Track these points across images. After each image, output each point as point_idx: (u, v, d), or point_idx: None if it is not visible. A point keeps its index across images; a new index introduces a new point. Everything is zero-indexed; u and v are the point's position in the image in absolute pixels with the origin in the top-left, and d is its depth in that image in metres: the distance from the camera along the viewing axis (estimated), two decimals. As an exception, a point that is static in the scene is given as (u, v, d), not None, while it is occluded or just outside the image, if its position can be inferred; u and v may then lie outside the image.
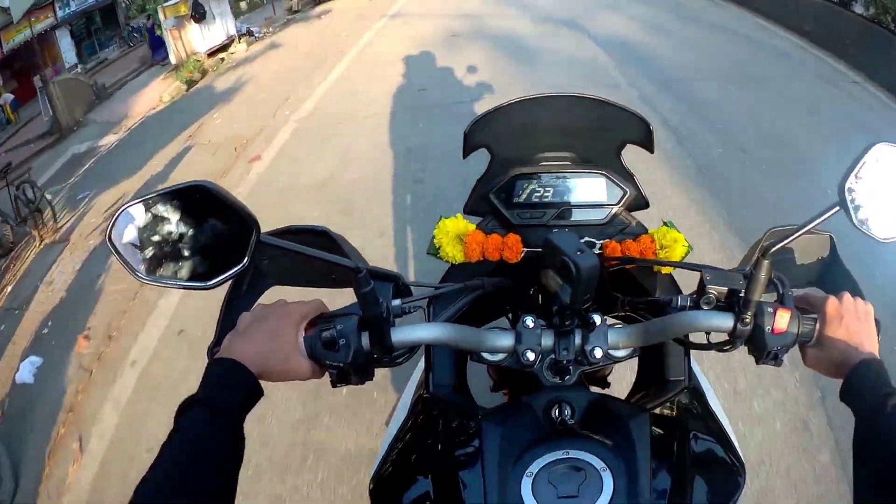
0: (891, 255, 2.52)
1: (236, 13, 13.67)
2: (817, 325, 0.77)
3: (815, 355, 0.78)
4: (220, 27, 11.88)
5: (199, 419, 0.63)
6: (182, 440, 0.62)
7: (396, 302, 0.78)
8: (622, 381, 1.25)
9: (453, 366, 1.01)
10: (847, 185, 0.72)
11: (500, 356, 0.84)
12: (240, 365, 0.67)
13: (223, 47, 11.83)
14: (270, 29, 13.11)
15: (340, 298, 0.78)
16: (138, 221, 0.64)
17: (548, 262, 0.77)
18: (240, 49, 11.82)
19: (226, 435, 0.64)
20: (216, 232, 0.64)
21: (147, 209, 0.63)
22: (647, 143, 1.03)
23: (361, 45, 9.67)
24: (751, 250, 0.93)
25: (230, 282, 0.95)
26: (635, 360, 1.10)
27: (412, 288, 0.86)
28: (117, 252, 0.63)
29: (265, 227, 0.66)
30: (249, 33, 12.60)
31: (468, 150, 1.07)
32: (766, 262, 0.73)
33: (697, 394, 1.00)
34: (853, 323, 0.76)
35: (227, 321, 0.87)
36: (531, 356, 0.79)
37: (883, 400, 0.67)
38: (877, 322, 0.79)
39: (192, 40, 11.33)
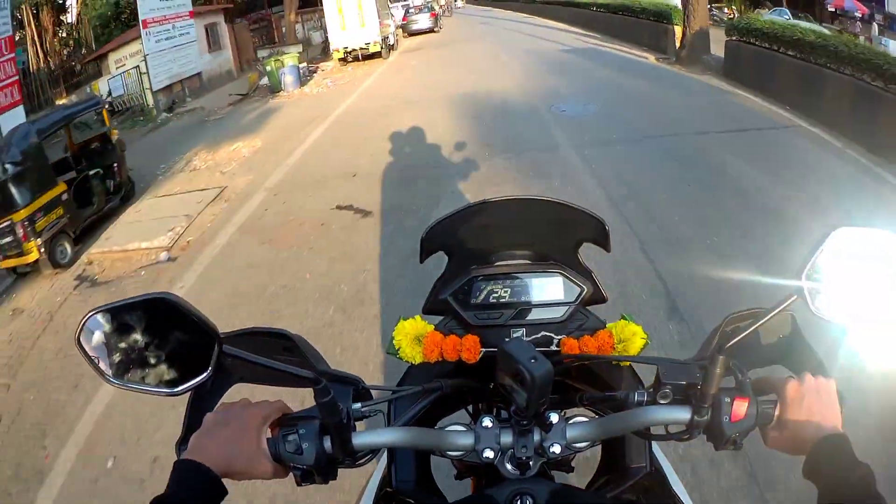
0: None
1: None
2: (777, 408, 0.77)
3: (777, 436, 0.78)
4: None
5: None
6: None
7: (357, 406, 0.81)
8: (586, 463, 1.23)
9: (415, 461, 1.00)
10: (805, 272, 0.73)
11: (461, 452, 0.85)
12: (203, 467, 0.70)
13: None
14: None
15: (307, 393, 0.79)
16: (105, 328, 0.67)
17: (503, 368, 0.78)
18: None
19: None
20: (180, 341, 0.68)
21: (113, 317, 0.67)
22: (604, 243, 1.06)
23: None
24: (709, 337, 0.94)
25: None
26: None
27: (372, 391, 0.87)
28: (86, 354, 0.67)
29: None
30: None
31: (425, 254, 1.09)
32: (721, 358, 0.75)
33: (659, 477, 1.00)
34: (814, 403, 0.76)
35: (193, 418, 0.89)
36: (490, 454, 0.81)
37: (846, 474, 0.67)
38: (840, 396, 0.79)
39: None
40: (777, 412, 0.77)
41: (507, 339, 0.98)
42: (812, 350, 0.94)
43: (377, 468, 1.12)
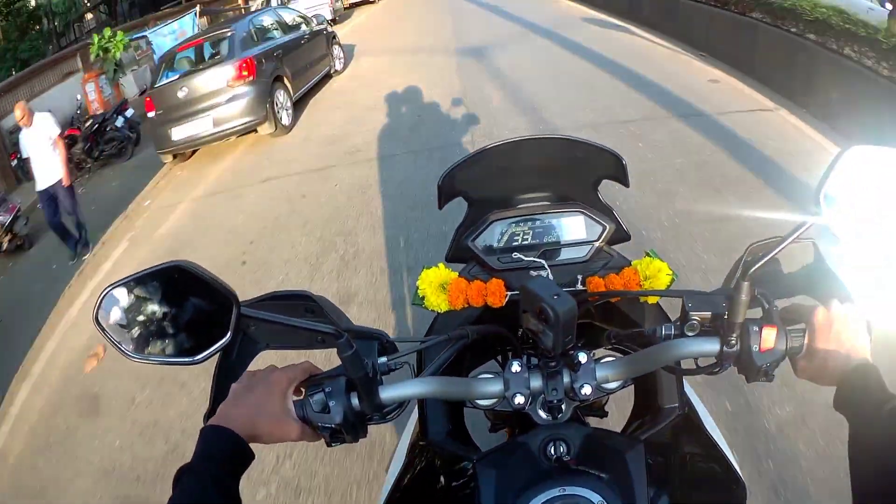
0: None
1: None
2: (806, 337, 0.75)
3: (806, 367, 0.76)
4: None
5: (193, 487, 0.65)
6: None
7: (382, 360, 0.80)
8: (620, 407, 1.24)
9: (447, 412, 1.00)
10: (823, 192, 0.71)
11: (492, 401, 0.84)
12: (230, 432, 0.69)
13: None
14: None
15: (335, 354, 0.79)
16: (122, 302, 0.66)
17: (527, 308, 0.77)
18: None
19: (220, 500, 0.65)
20: (198, 308, 0.67)
21: (130, 291, 0.66)
22: (622, 178, 1.05)
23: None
24: (733, 268, 0.92)
25: (221, 352, 0.97)
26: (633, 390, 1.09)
27: (398, 344, 0.86)
28: (105, 332, 0.66)
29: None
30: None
31: (443, 200, 1.09)
32: (745, 284, 0.73)
33: (692, 418, 0.99)
34: (843, 331, 0.74)
35: (219, 389, 0.88)
36: (520, 400, 0.79)
37: (877, 406, 0.65)
38: (868, 325, 0.77)
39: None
40: (806, 341, 0.75)
41: (529, 278, 0.96)
42: (837, 278, 0.91)
43: (409, 422, 1.14)
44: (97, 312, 0.66)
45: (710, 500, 0.82)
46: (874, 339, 0.78)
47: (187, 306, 0.67)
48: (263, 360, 0.90)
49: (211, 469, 0.66)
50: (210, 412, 0.83)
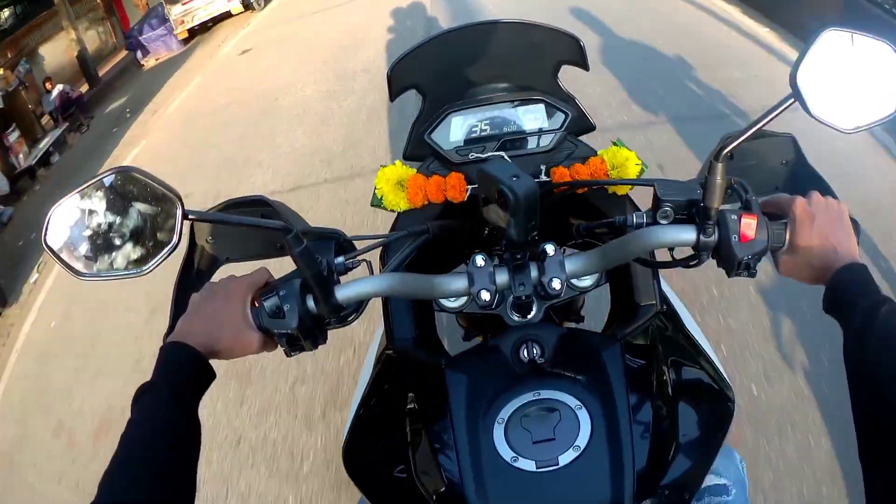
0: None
1: None
2: (787, 230, 0.72)
3: (791, 262, 0.73)
4: None
5: (153, 406, 0.63)
6: (138, 428, 0.62)
7: (339, 259, 0.75)
8: (598, 315, 1.22)
9: (413, 318, 0.96)
10: (799, 74, 0.66)
11: (459, 302, 0.81)
12: (189, 348, 0.67)
13: None
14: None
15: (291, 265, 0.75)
16: (69, 220, 0.64)
17: (486, 195, 0.72)
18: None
19: (181, 420, 0.64)
20: (145, 216, 0.63)
21: (76, 205, 0.63)
22: (582, 61, 1.01)
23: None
24: (706, 161, 0.89)
25: (181, 267, 0.93)
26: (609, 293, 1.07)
27: (355, 242, 0.81)
28: (55, 255, 0.64)
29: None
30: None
31: (395, 92, 1.02)
32: (720, 165, 0.68)
33: (671, 317, 0.97)
34: (826, 224, 0.71)
35: (179, 305, 0.85)
36: (486, 296, 0.74)
37: (872, 309, 0.62)
38: (854, 223, 0.75)
39: None
40: (788, 234, 0.71)
41: (486, 162, 0.90)
42: (817, 173, 0.89)
43: (378, 331, 1.11)
44: (45, 236, 0.63)
45: (696, 407, 0.80)
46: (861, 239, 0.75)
47: (133, 215, 0.63)
48: (225, 274, 0.85)
49: (171, 388, 0.64)
50: (169, 331, 0.80)
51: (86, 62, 10.32)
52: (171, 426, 0.63)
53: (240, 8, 11.01)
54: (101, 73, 10.69)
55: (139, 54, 11.06)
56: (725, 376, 0.87)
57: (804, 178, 0.89)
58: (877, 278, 0.67)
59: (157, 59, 10.91)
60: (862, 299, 0.64)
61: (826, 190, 0.80)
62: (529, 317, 0.81)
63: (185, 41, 11.00)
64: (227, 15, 11.03)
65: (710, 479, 0.84)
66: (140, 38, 10.83)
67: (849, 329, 0.65)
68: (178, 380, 0.65)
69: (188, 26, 10.86)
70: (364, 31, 7.09)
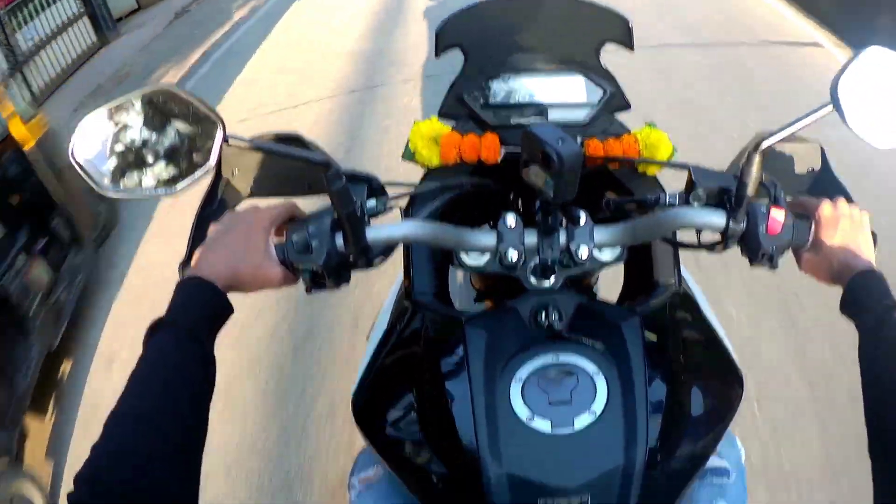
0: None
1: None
2: (812, 229, 0.74)
3: (812, 260, 0.76)
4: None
5: (166, 343, 0.61)
6: (150, 366, 0.60)
7: (371, 202, 0.76)
8: (608, 292, 1.23)
9: (434, 272, 0.97)
10: (840, 84, 0.68)
11: (483, 259, 0.80)
12: (207, 283, 0.64)
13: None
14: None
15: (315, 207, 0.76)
16: (101, 132, 0.62)
17: (528, 156, 0.73)
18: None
19: (195, 357, 0.61)
20: (181, 136, 0.62)
21: (110, 118, 0.62)
22: (627, 41, 1.00)
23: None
24: (739, 155, 0.90)
25: (203, 197, 0.92)
26: (622, 273, 1.08)
27: (388, 188, 0.82)
28: (81, 167, 0.62)
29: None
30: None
31: (440, 48, 1.01)
32: (757, 157, 0.70)
33: (688, 300, 0.98)
34: (850, 229, 0.73)
35: (198, 237, 0.84)
36: (514, 255, 0.75)
37: (887, 312, 0.65)
38: (874, 235, 0.77)
39: None
40: (812, 233, 0.74)
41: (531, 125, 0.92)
42: (841, 183, 0.91)
43: (391, 292, 1.12)
44: (73, 148, 0.61)
45: (706, 389, 0.80)
46: (878, 250, 0.77)
47: (169, 133, 0.62)
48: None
49: (186, 325, 0.61)
50: (186, 262, 0.79)
51: None
52: (185, 367, 0.60)
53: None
54: None
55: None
56: (737, 361, 0.88)
57: (829, 187, 0.90)
58: (893, 290, 0.69)
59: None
60: (877, 304, 0.67)
61: (850, 200, 0.82)
62: (549, 283, 0.82)
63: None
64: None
65: (713, 461, 0.85)
66: None
67: (863, 329, 0.67)
68: (193, 318, 0.62)
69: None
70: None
